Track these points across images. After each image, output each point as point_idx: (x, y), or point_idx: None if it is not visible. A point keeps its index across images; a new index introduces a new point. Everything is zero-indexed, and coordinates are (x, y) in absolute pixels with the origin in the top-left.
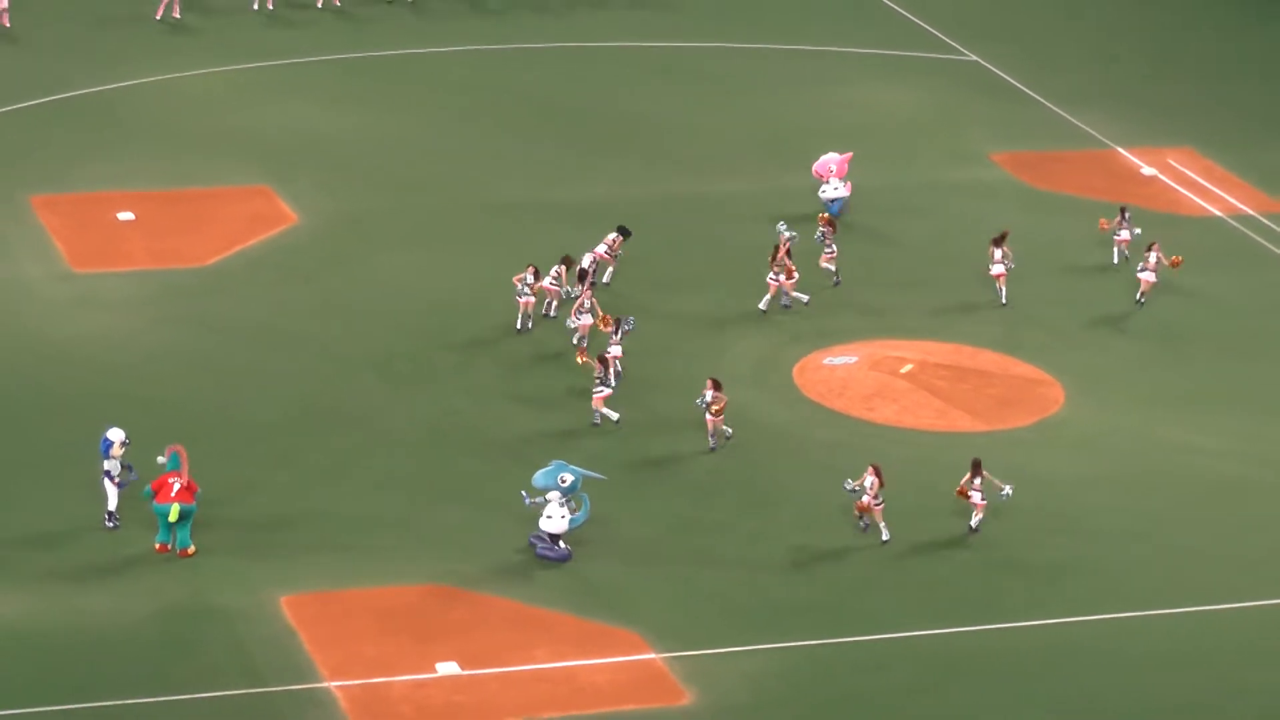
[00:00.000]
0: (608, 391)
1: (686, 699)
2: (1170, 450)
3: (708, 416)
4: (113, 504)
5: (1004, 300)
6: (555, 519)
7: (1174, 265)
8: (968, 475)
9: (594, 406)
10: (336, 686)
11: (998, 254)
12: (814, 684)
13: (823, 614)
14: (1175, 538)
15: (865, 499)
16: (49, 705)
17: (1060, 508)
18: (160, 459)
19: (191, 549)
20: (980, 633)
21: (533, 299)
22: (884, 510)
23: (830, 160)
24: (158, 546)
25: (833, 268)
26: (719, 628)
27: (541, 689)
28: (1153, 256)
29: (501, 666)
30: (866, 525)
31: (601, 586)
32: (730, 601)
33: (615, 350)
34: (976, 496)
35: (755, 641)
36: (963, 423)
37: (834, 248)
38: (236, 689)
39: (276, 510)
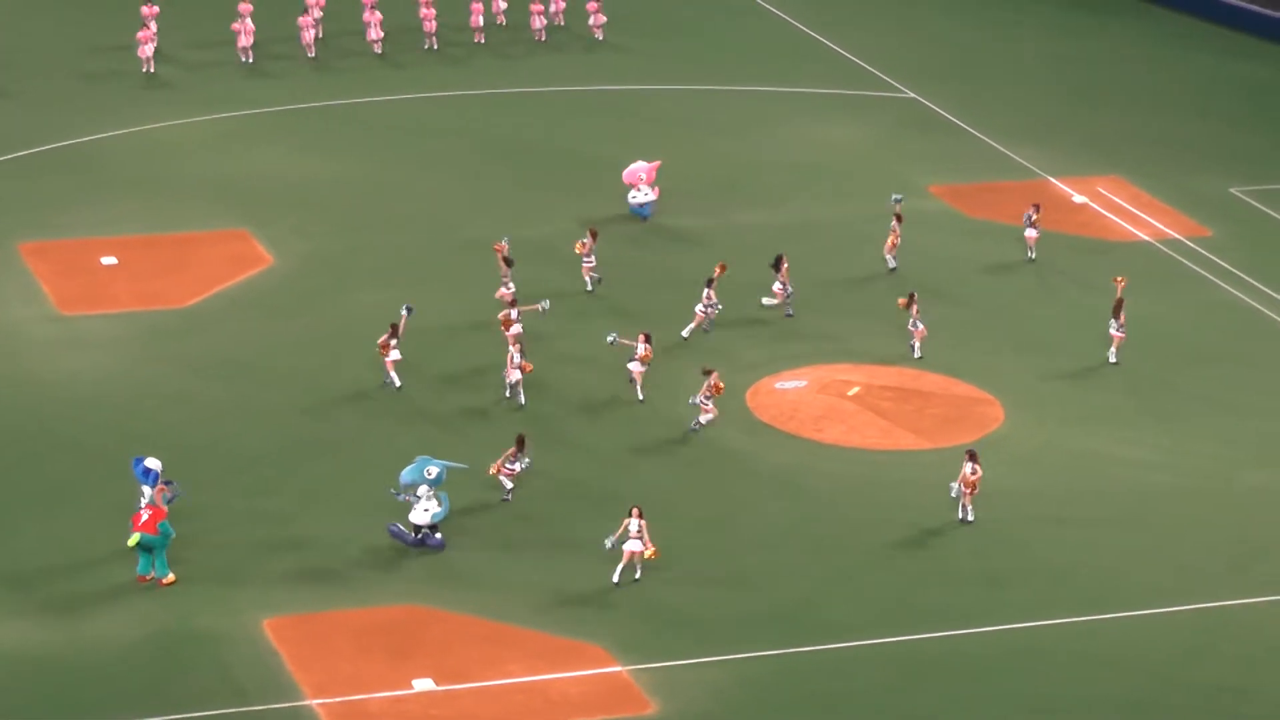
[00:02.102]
0: (398, 356)
1: (652, 708)
2: (1105, 463)
3: (503, 473)
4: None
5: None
6: (419, 511)
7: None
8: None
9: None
10: (318, 704)
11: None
12: (775, 691)
13: (782, 625)
14: (1113, 545)
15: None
16: None
17: (1003, 520)
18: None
19: (168, 578)
20: (934, 639)
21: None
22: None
23: (640, 169)
24: (138, 578)
25: (597, 276)
26: (682, 640)
27: (514, 702)
28: (1122, 317)
29: (475, 681)
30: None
31: (569, 603)
32: (692, 615)
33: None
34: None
35: (717, 653)
36: (907, 441)
37: (593, 259)
38: (224, 708)
39: (258, 537)
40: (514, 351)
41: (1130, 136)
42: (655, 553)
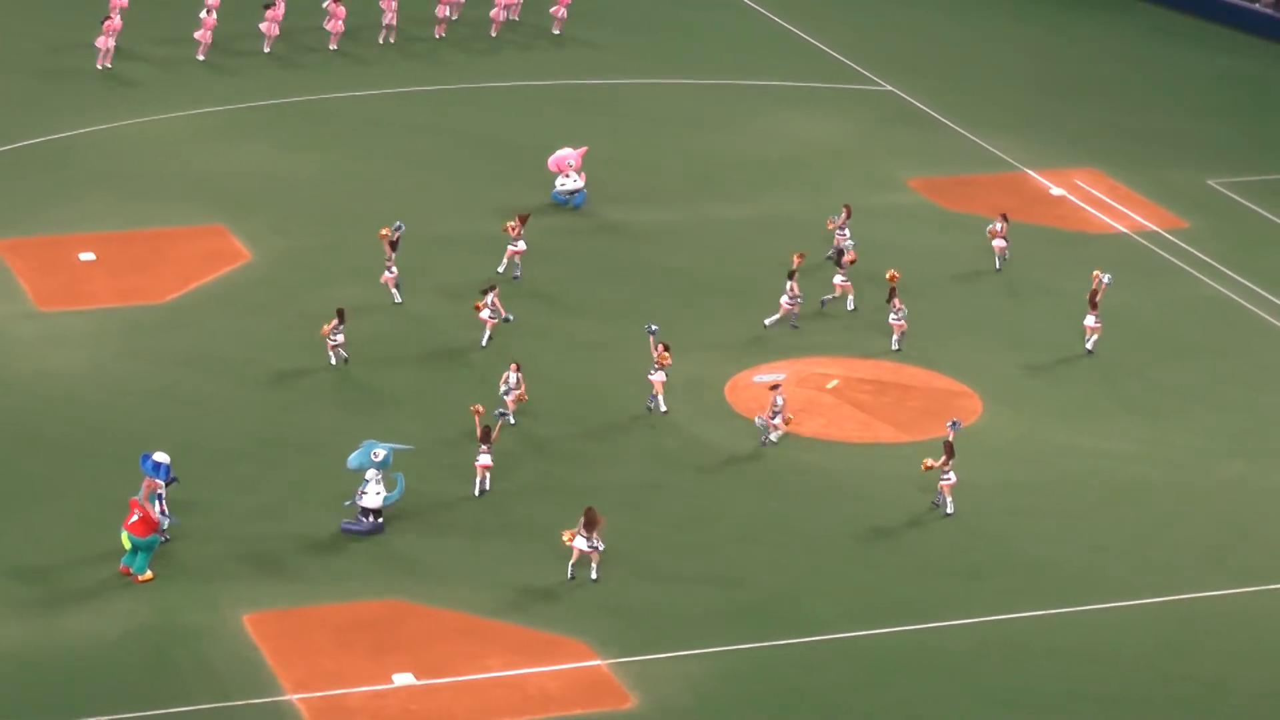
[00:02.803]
0: (341, 339)
1: (631, 702)
2: (1083, 455)
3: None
4: (165, 523)
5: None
6: (371, 495)
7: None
8: (943, 458)
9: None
10: (299, 699)
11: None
12: (753, 684)
13: (760, 619)
14: (1091, 538)
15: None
16: None
17: (981, 512)
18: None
19: (143, 576)
20: (912, 632)
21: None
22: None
23: (567, 155)
24: (121, 568)
25: (518, 260)
26: (660, 634)
27: (494, 696)
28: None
29: (455, 676)
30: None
31: (548, 598)
32: (670, 609)
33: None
34: (950, 478)
35: (695, 646)
36: (886, 434)
37: (521, 244)
38: (205, 704)
39: (238, 532)
40: (510, 373)
41: (1107, 129)
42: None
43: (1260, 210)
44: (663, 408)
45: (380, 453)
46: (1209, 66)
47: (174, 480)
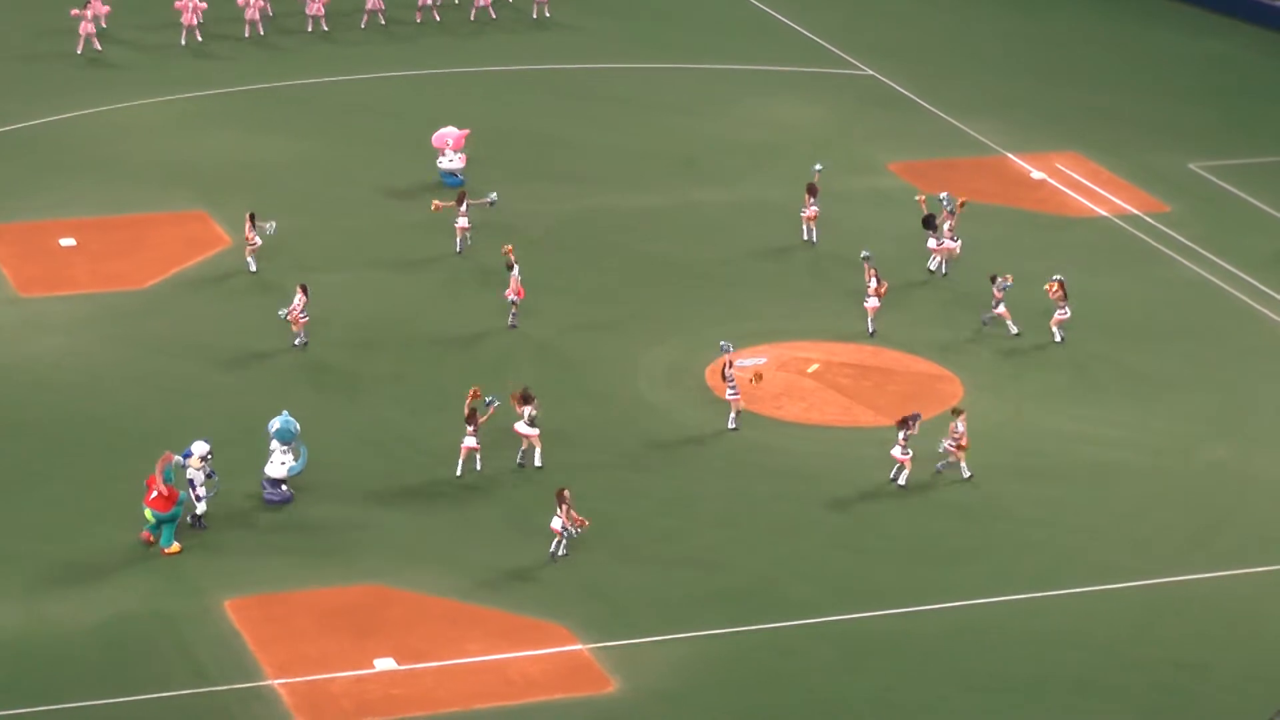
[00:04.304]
0: (305, 318)
1: (613, 687)
2: (1063, 440)
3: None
4: (200, 510)
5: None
6: (275, 464)
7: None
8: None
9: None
10: (280, 684)
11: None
12: (734, 668)
13: (741, 603)
14: (1071, 522)
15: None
16: (7, 710)
17: (960, 496)
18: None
19: (170, 549)
20: (890, 616)
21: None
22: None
23: (448, 134)
24: (144, 534)
25: (466, 238)
26: (642, 619)
27: (476, 681)
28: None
29: (437, 661)
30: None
31: (530, 583)
32: (652, 594)
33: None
34: (897, 451)
35: (677, 630)
36: (866, 418)
37: (465, 221)
38: (186, 689)
39: (219, 518)
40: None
41: (1089, 112)
42: (584, 522)
43: (1241, 194)
44: (733, 425)
45: (276, 424)
46: (1190, 50)
47: (210, 475)
